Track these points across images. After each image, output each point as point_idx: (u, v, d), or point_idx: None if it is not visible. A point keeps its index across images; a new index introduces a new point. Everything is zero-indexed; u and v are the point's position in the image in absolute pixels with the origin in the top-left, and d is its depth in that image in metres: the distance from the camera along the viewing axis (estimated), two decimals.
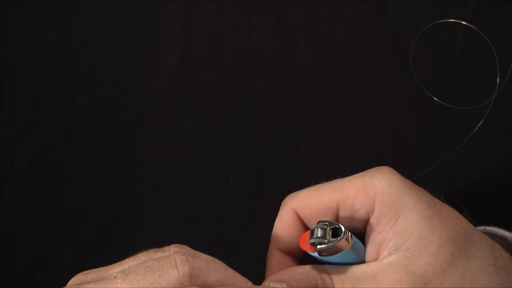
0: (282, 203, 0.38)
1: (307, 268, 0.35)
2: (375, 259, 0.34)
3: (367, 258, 0.35)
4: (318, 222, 0.34)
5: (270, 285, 0.35)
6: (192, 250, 0.32)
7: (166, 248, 0.33)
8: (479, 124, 0.60)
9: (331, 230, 0.34)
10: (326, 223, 0.34)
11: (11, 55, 0.64)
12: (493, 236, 0.37)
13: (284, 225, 0.38)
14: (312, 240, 0.34)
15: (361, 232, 0.36)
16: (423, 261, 0.31)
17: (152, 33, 0.64)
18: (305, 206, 0.37)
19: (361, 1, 0.63)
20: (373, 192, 0.34)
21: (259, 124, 0.62)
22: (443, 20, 0.62)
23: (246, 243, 0.59)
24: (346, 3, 0.63)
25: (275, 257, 0.38)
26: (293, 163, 0.60)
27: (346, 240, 0.33)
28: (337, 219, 0.36)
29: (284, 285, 0.34)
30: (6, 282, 0.59)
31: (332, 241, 0.33)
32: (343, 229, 0.33)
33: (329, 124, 0.61)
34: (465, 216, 0.35)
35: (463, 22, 0.62)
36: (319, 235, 0.33)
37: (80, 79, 0.63)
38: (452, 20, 0.62)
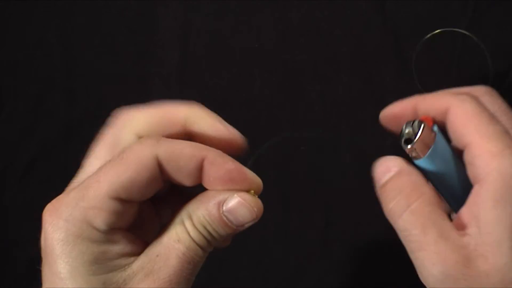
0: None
1: None
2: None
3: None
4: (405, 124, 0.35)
5: None
6: None
7: None
8: None
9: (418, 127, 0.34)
10: (412, 122, 0.35)
11: (11, 55, 0.64)
12: None
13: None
14: (401, 140, 0.35)
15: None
16: None
17: (152, 33, 0.64)
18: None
19: (361, 1, 0.63)
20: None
21: (259, 124, 0.62)
22: (442, 29, 0.62)
23: (246, 243, 0.59)
24: (346, 3, 0.64)
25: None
26: (292, 161, 0.60)
27: (430, 132, 0.34)
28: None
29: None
30: (6, 282, 0.60)
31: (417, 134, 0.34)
32: (422, 123, 0.34)
33: (329, 124, 0.61)
34: None
35: (462, 31, 0.62)
36: (406, 132, 0.35)
37: (80, 79, 0.63)
38: (451, 29, 0.62)
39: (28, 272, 0.59)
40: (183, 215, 0.34)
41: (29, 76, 0.64)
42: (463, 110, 0.34)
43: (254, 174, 0.35)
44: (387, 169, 0.35)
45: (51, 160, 0.62)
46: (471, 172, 0.33)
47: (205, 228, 0.33)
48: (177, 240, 0.33)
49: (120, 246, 0.33)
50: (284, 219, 0.58)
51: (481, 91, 0.36)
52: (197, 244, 0.33)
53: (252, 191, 0.34)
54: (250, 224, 0.34)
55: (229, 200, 0.33)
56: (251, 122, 0.62)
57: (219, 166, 0.34)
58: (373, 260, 0.58)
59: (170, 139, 0.34)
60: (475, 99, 0.35)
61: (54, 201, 0.34)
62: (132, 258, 0.33)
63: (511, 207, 0.31)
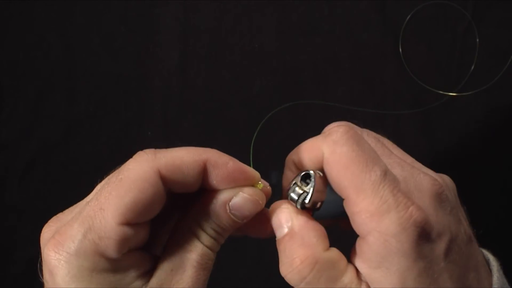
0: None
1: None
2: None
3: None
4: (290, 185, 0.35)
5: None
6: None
7: None
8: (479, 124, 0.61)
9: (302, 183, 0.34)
10: (297, 182, 0.34)
11: (11, 55, 0.64)
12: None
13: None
14: (291, 200, 0.34)
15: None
16: None
17: (152, 33, 0.64)
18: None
19: (361, 1, 0.63)
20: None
21: (259, 124, 0.62)
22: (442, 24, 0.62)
23: (246, 242, 0.59)
24: (346, 3, 0.64)
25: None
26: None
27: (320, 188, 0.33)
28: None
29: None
30: (6, 282, 0.60)
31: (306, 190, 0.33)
32: (311, 173, 0.33)
33: (329, 124, 0.61)
34: (464, 211, 0.35)
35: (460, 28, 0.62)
36: (292, 195, 0.34)
37: (80, 79, 0.63)
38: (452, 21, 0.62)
39: (28, 272, 0.59)
40: (191, 222, 0.33)
41: (29, 76, 0.64)
42: (335, 158, 0.32)
43: (252, 169, 0.35)
44: (280, 224, 0.35)
45: (51, 160, 0.62)
46: (352, 224, 0.32)
47: (214, 230, 0.33)
48: (190, 250, 0.32)
49: (135, 268, 0.32)
50: None
51: (342, 129, 0.34)
52: (209, 248, 0.33)
53: (260, 183, 0.35)
54: (256, 213, 0.34)
55: (235, 199, 0.33)
56: (251, 122, 0.62)
57: (222, 167, 0.33)
58: None
59: (163, 150, 0.33)
60: (350, 136, 0.33)
61: (56, 235, 0.31)
62: (147, 277, 0.32)
63: (395, 266, 0.30)
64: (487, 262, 0.35)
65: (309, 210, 0.34)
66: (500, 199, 0.59)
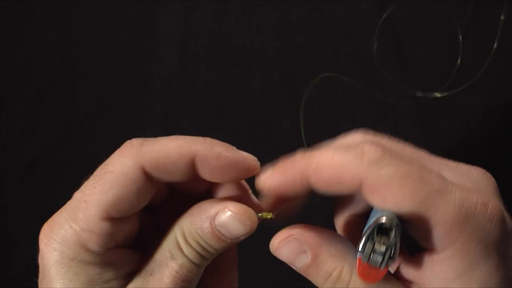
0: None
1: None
2: None
3: None
4: (363, 242, 0.28)
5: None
6: None
7: None
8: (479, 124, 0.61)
9: (377, 238, 0.28)
10: (369, 236, 0.28)
11: (11, 55, 0.64)
12: None
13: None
14: (372, 264, 0.28)
15: None
16: None
17: (152, 33, 0.64)
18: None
19: (361, 1, 0.63)
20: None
21: (259, 124, 0.62)
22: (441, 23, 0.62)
23: (246, 242, 0.58)
24: (346, 3, 0.64)
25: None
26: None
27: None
28: None
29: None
30: (5, 282, 0.59)
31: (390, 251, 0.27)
32: (391, 226, 0.27)
33: (329, 124, 0.61)
34: None
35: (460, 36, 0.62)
36: (374, 258, 0.28)
37: (80, 79, 0.63)
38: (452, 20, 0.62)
39: (28, 272, 0.59)
40: (176, 230, 0.32)
41: (29, 76, 0.64)
42: (386, 182, 0.28)
43: (248, 155, 0.33)
44: (297, 252, 0.32)
45: (51, 160, 0.62)
46: (425, 241, 0.29)
47: (198, 243, 0.31)
48: (170, 258, 0.31)
49: (116, 266, 0.31)
50: None
51: (374, 147, 0.29)
52: (191, 261, 0.32)
53: (261, 214, 0.33)
54: (245, 236, 0.32)
55: (221, 214, 0.31)
56: (251, 122, 0.62)
57: (212, 161, 0.31)
58: None
59: (152, 141, 0.32)
60: (387, 151, 0.28)
61: (49, 221, 0.32)
62: (128, 278, 0.32)
63: (478, 274, 0.28)
64: None
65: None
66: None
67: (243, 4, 0.64)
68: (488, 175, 0.31)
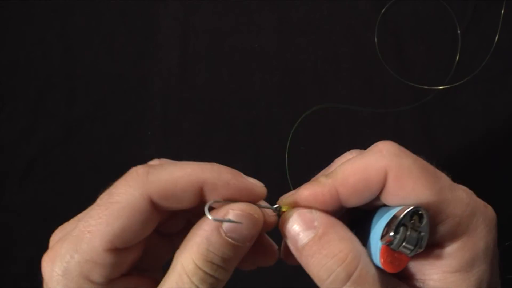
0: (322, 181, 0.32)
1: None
2: None
3: None
4: (386, 232, 0.28)
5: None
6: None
7: None
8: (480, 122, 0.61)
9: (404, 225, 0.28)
10: (391, 225, 0.28)
11: (11, 55, 0.64)
12: None
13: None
14: (405, 250, 0.28)
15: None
16: None
17: (152, 33, 0.64)
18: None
19: (361, 1, 0.63)
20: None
21: (259, 124, 0.62)
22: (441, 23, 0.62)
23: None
24: (346, 3, 0.64)
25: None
26: (293, 163, 0.60)
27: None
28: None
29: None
30: (6, 282, 0.59)
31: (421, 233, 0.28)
32: (423, 212, 0.28)
33: (329, 124, 0.61)
34: None
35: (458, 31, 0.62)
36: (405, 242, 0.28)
37: (80, 79, 0.63)
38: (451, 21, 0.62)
39: (28, 272, 0.59)
40: (181, 256, 0.30)
41: (29, 76, 0.64)
42: (407, 170, 0.29)
43: (255, 182, 0.32)
44: (308, 225, 0.30)
45: (51, 160, 0.62)
46: (435, 235, 0.29)
47: (212, 263, 0.29)
48: None
49: None
50: None
51: (389, 143, 0.31)
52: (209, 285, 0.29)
53: (277, 206, 0.32)
54: (258, 232, 0.30)
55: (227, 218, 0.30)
56: (251, 122, 0.62)
57: (221, 189, 0.30)
58: None
59: (158, 168, 0.31)
60: (403, 149, 0.30)
61: (49, 251, 0.31)
62: None
63: (476, 268, 0.29)
64: None
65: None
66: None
67: (243, 4, 0.64)
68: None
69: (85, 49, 0.64)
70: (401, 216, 0.28)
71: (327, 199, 0.30)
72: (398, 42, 0.62)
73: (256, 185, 0.32)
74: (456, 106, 0.61)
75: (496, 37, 0.61)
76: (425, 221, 0.28)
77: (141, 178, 0.30)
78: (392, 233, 0.28)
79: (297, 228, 0.30)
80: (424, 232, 0.28)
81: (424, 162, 0.30)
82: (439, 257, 0.30)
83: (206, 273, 0.29)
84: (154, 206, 0.30)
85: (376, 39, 0.62)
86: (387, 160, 0.29)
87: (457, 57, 0.62)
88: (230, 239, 0.29)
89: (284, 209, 0.31)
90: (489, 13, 0.62)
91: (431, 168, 0.30)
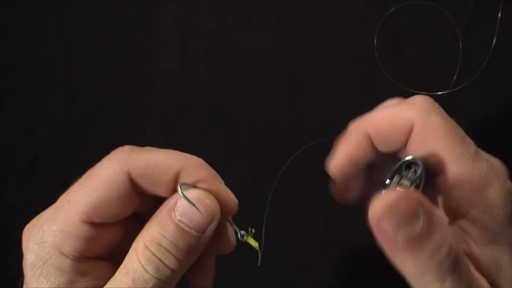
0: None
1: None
2: None
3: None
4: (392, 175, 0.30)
5: None
6: None
7: None
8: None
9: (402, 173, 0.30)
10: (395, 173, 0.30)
11: (11, 55, 0.64)
12: None
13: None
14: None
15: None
16: None
17: (152, 33, 0.64)
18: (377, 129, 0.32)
19: (361, 1, 0.63)
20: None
21: (259, 124, 0.62)
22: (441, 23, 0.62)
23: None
24: (346, 3, 0.64)
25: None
26: (293, 163, 0.60)
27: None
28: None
29: None
30: (5, 282, 0.59)
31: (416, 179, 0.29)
32: (419, 162, 0.29)
33: (329, 124, 0.61)
34: None
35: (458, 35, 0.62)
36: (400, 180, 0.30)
37: (80, 79, 0.63)
38: (451, 20, 0.62)
39: None
40: (137, 239, 0.30)
41: (29, 76, 0.64)
42: (433, 126, 0.30)
43: (231, 194, 0.32)
44: (415, 215, 0.26)
45: (51, 160, 0.62)
46: (449, 199, 0.30)
47: (159, 245, 0.28)
48: (126, 273, 0.28)
49: (87, 278, 0.30)
50: (284, 220, 0.58)
51: (424, 98, 0.32)
52: (148, 272, 0.28)
53: (251, 238, 0.32)
54: (211, 225, 0.30)
55: (178, 202, 0.29)
56: (251, 122, 0.62)
57: (194, 183, 0.31)
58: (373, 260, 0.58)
59: (143, 149, 0.31)
60: (438, 106, 0.31)
61: (32, 221, 0.32)
62: None
63: (506, 241, 0.29)
64: None
65: None
66: None
67: (243, 4, 0.64)
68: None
69: (85, 49, 0.64)
70: (397, 165, 0.30)
71: (361, 140, 0.32)
72: (398, 42, 0.62)
73: (229, 197, 0.32)
74: (456, 107, 0.61)
75: (494, 40, 0.61)
76: (419, 172, 0.30)
77: (125, 154, 0.31)
78: (388, 180, 0.30)
79: (400, 222, 0.26)
80: (418, 178, 0.30)
81: (454, 124, 0.30)
82: (468, 229, 0.30)
83: (153, 254, 0.28)
84: (132, 184, 0.30)
85: (375, 39, 0.62)
86: (416, 113, 0.30)
87: (459, 59, 0.62)
88: (180, 223, 0.29)
89: (248, 240, 0.32)
90: (488, 14, 0.62)
91: (459, 132, 0.30)
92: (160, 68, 0.63)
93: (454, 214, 0.31)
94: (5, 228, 0.60)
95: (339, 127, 0.61)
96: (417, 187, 0.30)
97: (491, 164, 0.30)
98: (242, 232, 0.32)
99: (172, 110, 0.62)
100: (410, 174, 0.30)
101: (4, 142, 0.62)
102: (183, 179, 0.30)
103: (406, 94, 0.61)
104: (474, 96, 0.61)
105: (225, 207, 0.31)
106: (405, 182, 0.30)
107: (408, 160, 0.30)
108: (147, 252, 0.28)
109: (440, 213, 0.31)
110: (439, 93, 0.61)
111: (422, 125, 0.30)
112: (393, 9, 0.63)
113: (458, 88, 0.61)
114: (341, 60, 0.62)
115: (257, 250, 0.32)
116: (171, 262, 0.29)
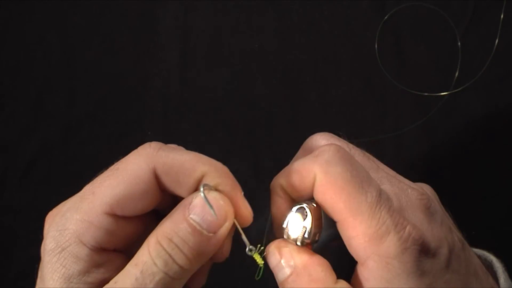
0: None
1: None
2: None
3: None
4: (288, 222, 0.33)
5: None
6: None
7: None
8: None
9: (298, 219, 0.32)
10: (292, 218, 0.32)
11: (11, 55, 0.64)
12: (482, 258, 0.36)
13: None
14: (295, 239, 0.33)
15: None
16: None
17: (152, 33, 0.64)
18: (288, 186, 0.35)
19: (361, 1, 0.63)
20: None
21: (259, 124, 0.62)
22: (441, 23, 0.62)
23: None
24: (346, 3, 0.64)
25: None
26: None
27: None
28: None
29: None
30: (5, 282, 0.59)
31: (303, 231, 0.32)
32: (306, 208, 0.32)
33: (329, 124, 0.61)
34: (450, 217, 0.35)
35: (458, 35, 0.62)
36: (292, 235, 0.32)
37: (80, 79, 0.63)
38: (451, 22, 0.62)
39: (28, 272, 0.59)
40: (151, 234, 0.30)
41: (29, 76, 0.64)
42: (329, 180, 0.31)
43: (249, 207, 0.33)
44: (281, 265, 0.32)
45: (51, 160, 0.61)
46: (349, 249, 0.32)
47: (170, 240, 0.29)
48: (135, 264, 0.29)
49: (101, 270, 0.30)
50: None
51: (329, 148, 0.33)
52: (156, 266, 0.29)
53: (256, 254, 0.33)
54: (222, 227, 0.30)
55: (195, 199, 0.30)
56: (251, 122, 0.62)
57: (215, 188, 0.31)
58: None
59: (170, 148, 0.32)
60: (341, 155, 0.32)
61: (54, 209, 0.32)
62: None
63: None
64: (490, 264, 0.35)
65: (308, 245, 0.33)
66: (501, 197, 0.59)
67: (243, 4, 0.64)
68: (425, 196, 0.33)
69: (85, 49, 0.64)
70: (289, 212, 0.33)
71: (281, 195, 0.34)
72: (398, 43, 0.62)
73: (246, 208, 0.33)
74: (457, 107, 0.61)
75: (496, 41, 0.61)
76: (308, 216, 0.32)
77: (152, 151, 0.31)
78: (284, 226, 0.33)
79: (274, 266, 0.33)
80: (306, 225, 0.32)
81: (355, 172, 0.31)
82: (365, 277, 0.31)
83: (163, 248, 0.29)
84: (157, 181, 0.31)
85: (376, 40, 0.62)
86: (317, 166, 0.31)
87: (459, 59, 0.62)
88: (192, 221, 0.29)
89: (255, 256, 0.33)
90: (489, 15, 0.62)
91: (359, 181, 0.30)
92: (160, 68, 0.63)
93: (356, 259, 0.31)
94: (5, 228, 0.60)
95: (339, 127, 0.61)
96: (303, 234, 0.32)
97: (391, 209, 0.30)
98: (251, 246, 0.33)
99: (172, 110, 0.62)
100: (301, 221, 0.32)
101: (4, 142, 0.62)
102: (206, 182, 0.31)
103: (406, 94, 0.61)
104: (475, 97, 0.61)
105: (240, 216, 0.32)
106: (292, 233, 0.32)
107: (298, 206, 0.32)
108: (158, 246, 0.29)
109: (316, 259, 0.32)
110: (440, 94, 0.61)
111: (321, 177, 0.31)
112: (394, 10, 0.63)
113: (459, 89, 0.61)
114: (341, 60, 0.62)
115: (260, 267, 0.34)
116: (180, 258, 0.29)
